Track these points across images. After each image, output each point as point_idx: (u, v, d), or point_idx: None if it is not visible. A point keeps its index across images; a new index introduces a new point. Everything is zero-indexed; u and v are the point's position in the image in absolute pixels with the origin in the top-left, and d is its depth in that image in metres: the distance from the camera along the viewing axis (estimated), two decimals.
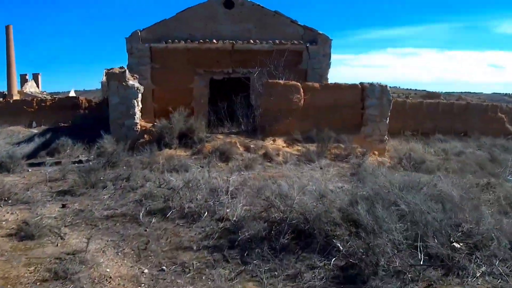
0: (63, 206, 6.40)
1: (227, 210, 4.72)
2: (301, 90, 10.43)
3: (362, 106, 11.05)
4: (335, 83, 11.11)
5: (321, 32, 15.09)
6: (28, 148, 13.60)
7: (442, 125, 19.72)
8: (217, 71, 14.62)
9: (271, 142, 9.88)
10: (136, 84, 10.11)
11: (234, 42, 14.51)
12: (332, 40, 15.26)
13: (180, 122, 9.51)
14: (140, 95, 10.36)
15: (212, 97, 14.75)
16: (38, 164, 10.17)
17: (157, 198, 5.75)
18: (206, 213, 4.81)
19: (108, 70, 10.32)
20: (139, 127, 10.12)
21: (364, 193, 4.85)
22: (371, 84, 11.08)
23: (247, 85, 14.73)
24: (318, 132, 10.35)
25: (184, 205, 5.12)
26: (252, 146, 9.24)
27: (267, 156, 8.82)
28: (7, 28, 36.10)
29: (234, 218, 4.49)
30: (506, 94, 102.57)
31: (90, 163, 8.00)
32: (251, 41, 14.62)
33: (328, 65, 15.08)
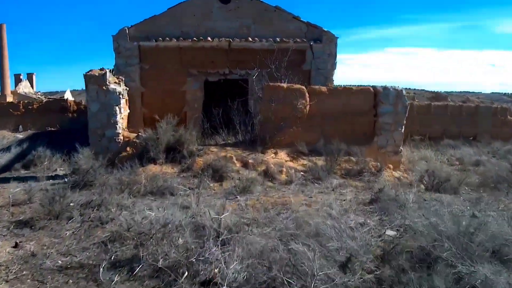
0: (16, 245, 5.14)
1: (215, 270, 3.45)
2: (307, 95, 9.15)
3: (374, 113, 9.78)
4: (344, 86, 9.84)
5: (326, 30, 13.81)
6: (3, 159, 12.34)
7: (451, 129, 18.67)
8: (212, 72, 13.33)
9: (273, 155, 8.62)
10: (118, 89, 8.82)
11: (230, 40, 13.22)
12: (338, 38, 13.99)
13: (167, 133, 8.22)
14: (123, 101, 9.07)
15: (207, 100, 13.47)
16: (8, 180, 8.93)
17: (127, 241, 4.48)
18: (186, 272, 3.55)
19: (87, 72, 9.03)
20: (122, 138, 8.84)
21: (400, 244, 3.58)
22: (385, 88, 9.81)
23: (245, 88, 13.47)
24: (325, 143, 9.09)
25: (158, 256, 3.85)
26: (250, 161, 7.97)
27: (268, 174, 7.55)
28: (0, 27, 34.81)
29: (225, 286, 3.22)
30: (505, 93, 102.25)
31: (57, 186, 6.72)
32: (250, 39, 13.33)
33: (333, 66, 13.81)
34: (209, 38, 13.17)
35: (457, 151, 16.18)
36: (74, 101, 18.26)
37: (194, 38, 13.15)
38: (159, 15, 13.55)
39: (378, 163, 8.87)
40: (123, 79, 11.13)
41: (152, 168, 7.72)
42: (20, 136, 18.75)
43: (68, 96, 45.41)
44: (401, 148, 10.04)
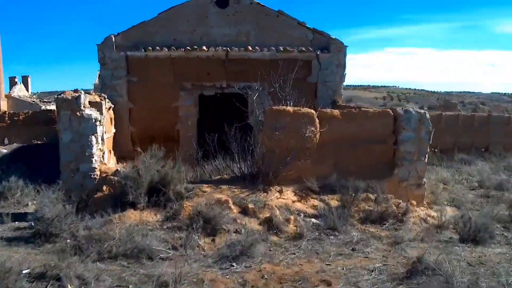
0: None
1: None
2: (317, 120, 7.80)
3: (394, 140, 8.43)
4: (359, 109, 8.47)
5: (333, 37, 12.45)
6: None
7: (462, 140, 17.53)
8: (207, 85, 11.97)
9: (277, 194, 7.27)
10: (95, 114, 7.46)
11: (228, 49, 11.86)
12: (347, 46, 12.64)
13: (151, 170, 6.86)
14: (100, 128, 7.71)
15: (202, 116, 12.13)
16: None
17: None
18: None
19: (59, 95, 7.66)
20: (99, 173, 7.48)
21: None
22: (406, 111, 8.45)
23: (245, 101, 12.13)
24: (339, 176, 7.75)
25: None
26: (250, 206, 6.62)
27: (272, 225, 6.21)
28: None
29: None
30: (505, 93, 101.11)
31: (21, 231, 5.38)
32: (249, 48, 11.96)
33: (342, 78, 12.46)
34: (204, 47, 11.80)
35: (472, 167, 14.95)
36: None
37: (188, 47, 11.78)
38: (148, 21, 12.19)
39: (403, 203, 7.54)
40: (106, 97, 9.81)
41: (131, 216, 6.38)
42: (3, 150, 17.43)
43: None
44: (424, 180, 8.70)
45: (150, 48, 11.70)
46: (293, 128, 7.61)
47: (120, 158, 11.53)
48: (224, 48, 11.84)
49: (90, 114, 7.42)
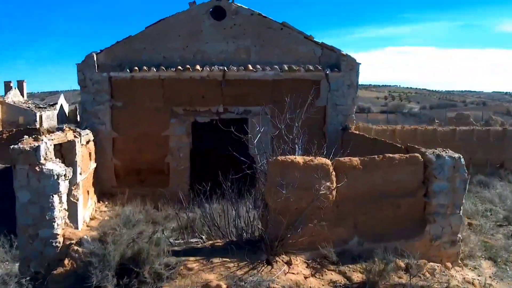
0: None
1: None
2: (333, 173, 6.36)
3: (425, 191, 7.00)
4: (383, 155, 7.01)
5: (344, 53, 10.97)
6: None
7: (477, 157, 16.25)
8: (202, 111, 10.52)
9: (285, 268, 5.85)
10: (58, 169, 6.02)
11: (225, 69, 10.39)
12: (360, 64, 11.17)
13: (122, 244, 5.43)
14: (65, 184, 6.27)
15: (196, 146, 10.70)
16: None
17: None
18: None
19: (15, 145, 6.21)
20: (62, 240, 6.06)
21: None
22: (439, 157, 6.99)
23: (244, 129, 10.70)
24: (360, 240, 6.36)
25: None
26: None
27: None
28: None
29: None
30: (506, 93, 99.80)
31: None
32: (250, 67, 10.49)
33: (355, 100, 11.00)
34: (198, 67, 10.33)
35: (492, 191, 13.62)
36: (48, 130, 15.50)
37: (179, 67, 10.31)
38: (135, 36, 10.71)
39: (439, 267, 6.15)
40: (81, 132, 8.37)
41: None
42: None
43: (62, 102, 42.73)
44: (459, 235, 7.28)
45: (136, 68, 10.23)
46: (304, 184, 6.16)
47: (102, 195, 10.15)
48: (221, 67, 10.37)
49: (52, 170, 5.97)
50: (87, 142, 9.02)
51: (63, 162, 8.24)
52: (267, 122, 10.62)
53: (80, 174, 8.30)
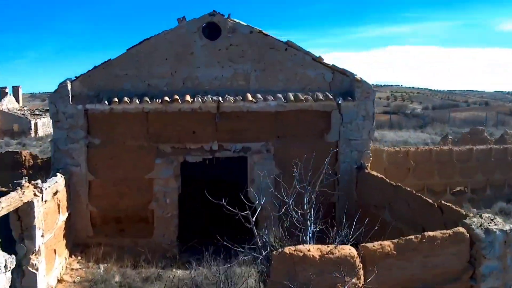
0: None
1: None
2: (360, 265, 4.90)
3: (471, 273, 5.56)
4: (422, 235, 5.51)
5: (358, 77, 9.44)
6: None
7: (495, 177, 14.88)
8: (193, 149, 9.00)
9: None
10: (2, 259, 4.55)
11: (220, 99, 8.86)
12: (376, 91, 9.68)
13: None
14: (5, 276, 4.78)
15: (185, 190, 9.22)
16: None
17: None
18: None
19: None
20: None
21: None
22: (488, 232, 5.52)
23: (242, 169, 9.30)
24: None
25: None
26: None
27: None
28: None
29: None
30: (508, 92, 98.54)
31: None
32: (249, 97, 8.95)
33: (371, 134, 9.49)
34: (188, 97, 8.79)
35: None
36: (31, 154, 14.01)
37: (166, 98, 8.76)
38: (115, 60, 9.15)
39: None
40: (43, 187, 6.88)
41: None
42: None
43: None
44: None
45: (116, 99, 8.69)
46: (321, 285, 4.72)
47: (76, 246, 8.70)
48: (215, 98, 8.83)
49: None
50: (55, 194, 7.54)
51: (20, 226, 6.85)
52: (269, 161, 9.20)
53: (42, 236, 6.86)
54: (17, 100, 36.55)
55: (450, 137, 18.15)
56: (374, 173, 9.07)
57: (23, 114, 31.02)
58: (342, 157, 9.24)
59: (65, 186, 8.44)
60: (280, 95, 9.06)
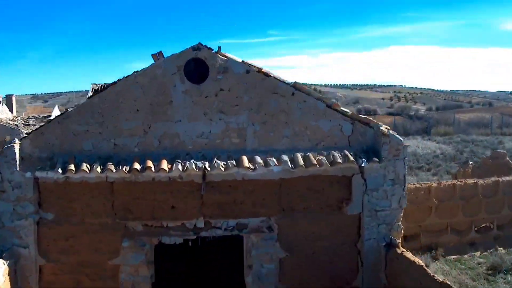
0: None
1: None
2: None
3: None
4: None
5: (385, 130, 7.27)
6: None
7: None
8: (171, 227, 6.97)
9: None
10: None
11: (206, 166, 6.80)
12: (408, 146, 7.52)
13: None
14: None
15: (161, 276, 7.26)
16: None
17: None
18: None
19: None
20: None
21: None
22: None
23: (237, 247, 7.32)
24: None
25: None
26: None
27: None
28: None
29: None
30: (511, 92, 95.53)
31: None
32: (245, 162, 6.85)
33: (402, 201, 7.37)
34: (164, 164, 6.71)
35: None
36: None
37: (136, 165, 6.71)
38: (73, 111, 7.14)
39: None
40: None
41: None
42: None
43: (56, 114, 40.00)
44: None
45: (71, 167, 6.69)
46: None
47: None
48: (200, 164, 6.77)
49: None
50: None
51: None
52: (271, 242, 7.15)
53: None
54: (10, 110, 35.11)
55: (470, 162, 15.96)
56: (408, 255, 6.99)
57: (16, 125, 29.58)
58: (366, 233, 7.14)
59: (9, 273, 6.61)
60: (285, 157, 6.96)
